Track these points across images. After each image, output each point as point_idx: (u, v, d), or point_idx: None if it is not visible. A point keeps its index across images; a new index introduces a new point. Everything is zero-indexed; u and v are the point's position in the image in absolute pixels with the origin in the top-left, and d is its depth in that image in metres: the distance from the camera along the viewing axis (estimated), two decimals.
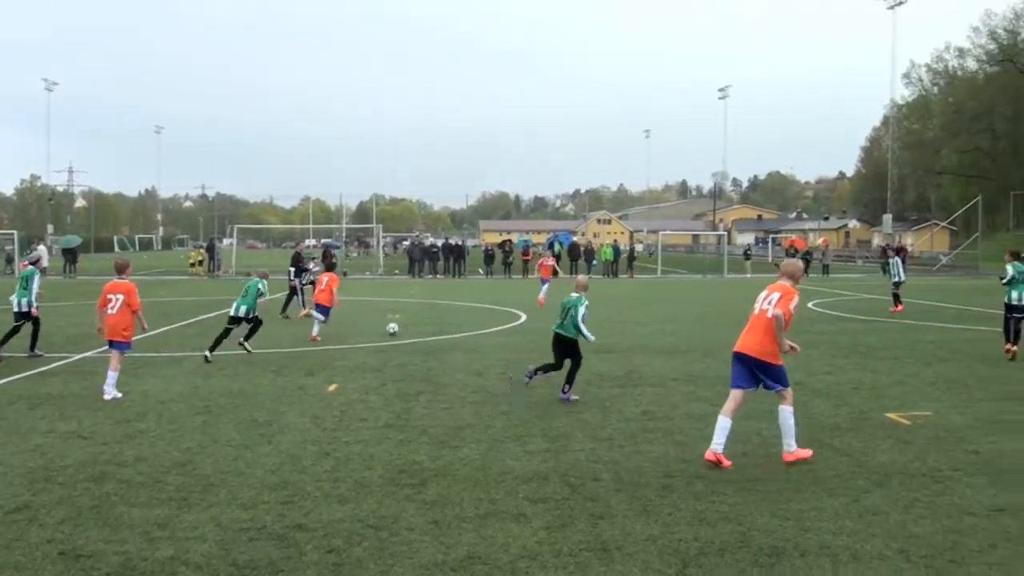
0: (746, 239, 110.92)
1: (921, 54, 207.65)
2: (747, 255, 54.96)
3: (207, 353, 14.54)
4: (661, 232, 65.51)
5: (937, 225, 79.63)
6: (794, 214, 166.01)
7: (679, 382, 12.29)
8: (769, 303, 8.23)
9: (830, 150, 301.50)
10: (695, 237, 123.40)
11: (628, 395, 11.30)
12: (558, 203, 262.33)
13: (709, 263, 58.49)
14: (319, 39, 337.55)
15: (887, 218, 74.08)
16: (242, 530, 6.15)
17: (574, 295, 11.57)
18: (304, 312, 21.48)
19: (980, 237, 59.77)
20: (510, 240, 53.12)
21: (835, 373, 13.19)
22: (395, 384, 12.15)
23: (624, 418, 9.83)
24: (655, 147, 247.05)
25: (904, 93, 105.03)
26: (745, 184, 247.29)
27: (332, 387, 11.90)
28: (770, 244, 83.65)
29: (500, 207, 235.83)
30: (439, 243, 52.04)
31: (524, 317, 21.96)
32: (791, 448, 8.07)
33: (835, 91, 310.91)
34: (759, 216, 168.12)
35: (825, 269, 49.95)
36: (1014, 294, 15.98)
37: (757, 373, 8.15)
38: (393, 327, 18.11)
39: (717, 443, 7.89)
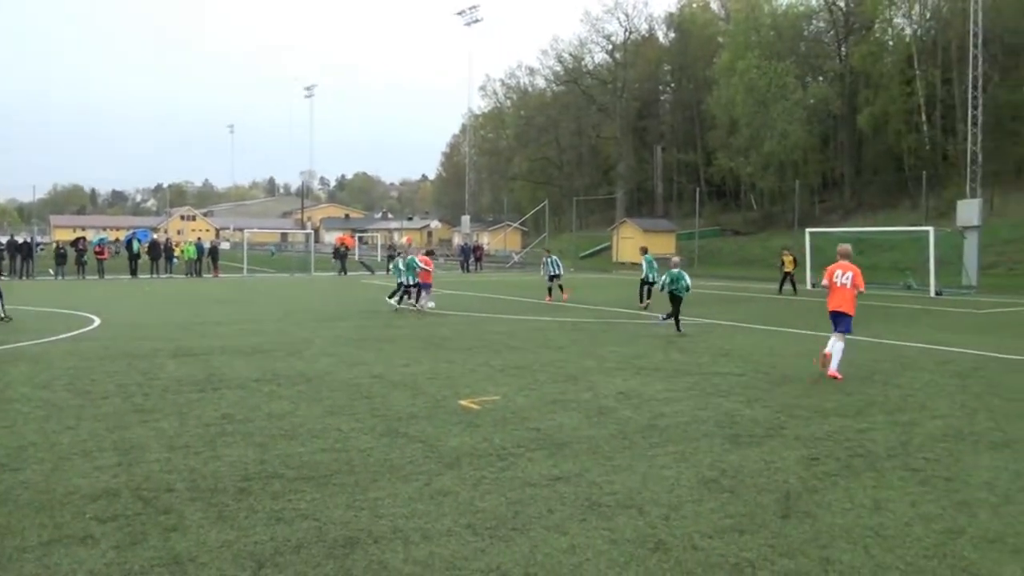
0: (334, 237, 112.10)
1: (496, 69, 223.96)
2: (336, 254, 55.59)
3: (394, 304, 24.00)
4: (247, 230, 64.07)
5: (510, 226, 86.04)
6: (380, 214, 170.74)
7: (261, 383, 12.06)
8: (847, 278, 12.84)
9: (414, 154, 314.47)
10: (283, 235, 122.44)
11: (208, 399, 10.87)
12: (139, 198, 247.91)
13: (296, 261, 58.25)
14: None
15: (465, 219, 78.80)
16: None
17: (675, 271, 18.74)
18: None
19: (548, 237, 65.56)
20: (84, 237, 49.14)
21: (412, 365, 13.69)
22: None
23: (203, 423, 9.43)
24: (242, 143, 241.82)
25: (481, 104, 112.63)
26: (333, 183, 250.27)
27: None
28: (357, 243, 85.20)
29: (74, 201, 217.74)
30: (3, 240, 46.55)
31: (98, 321, 20.38)
32: (834, 369, 12.66)
33: (419, 99, 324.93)
34: (347, 215, 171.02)
35: None
36: (650, 275, 25.05)
37: (839, 321, 12.88)
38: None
39: (834, 366, 12.71)
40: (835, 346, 12.81)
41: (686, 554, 5.61)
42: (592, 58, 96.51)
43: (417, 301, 24.17)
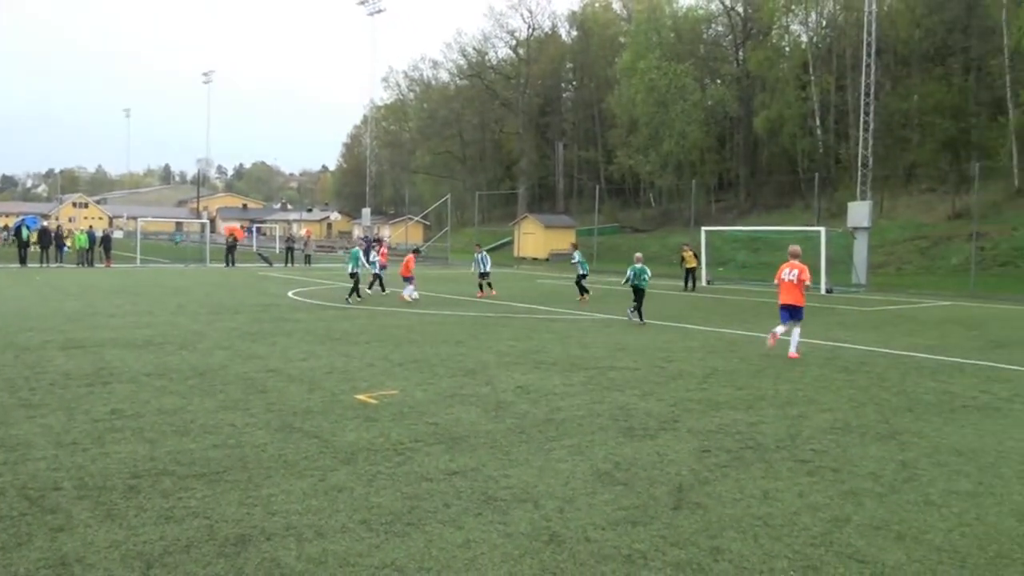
0: (223, 228, 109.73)
1: (399, 61, 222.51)
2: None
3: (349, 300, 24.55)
4: (141, 219, 62.26)
5: (412, 219, 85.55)
6: (279, 204, 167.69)
7: (152, 377, 11.74)
8: (794, 275, 14.88)
9: (314, 144, 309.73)
10: (178, 225, 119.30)
11: (97, 394, 10.52)
12: (29, 183, 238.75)
13: (191, 252, 56.79)
14: None
15: (366, 211, 78.02)
16: None
17: (639, 266, 20.80)
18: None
19: (450, 231, 65.44)
20: None
21: (310, 359, 13.51)
22: None
23: (91, 419, 9.13)
24: (137, 129, 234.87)
25: (383, 96, 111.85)
26: (231, 172, 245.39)
27: None
28: (255, 233, 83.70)
29: None
30: None
31: None
32: (793, 350, 14.76)
33: (321, 89, 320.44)
34: (244, 205, 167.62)
35: (307, 259, 51.10)
36: (582, 268, 27.14)
37: (793, 314, 14.93)
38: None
39: (786, 340, 14.96)
40: (793, 332, 14.98)
41: (580, 546, 5.68)
42: (496, 53, 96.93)
43: (379, 288, 27.03)
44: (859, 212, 38.62)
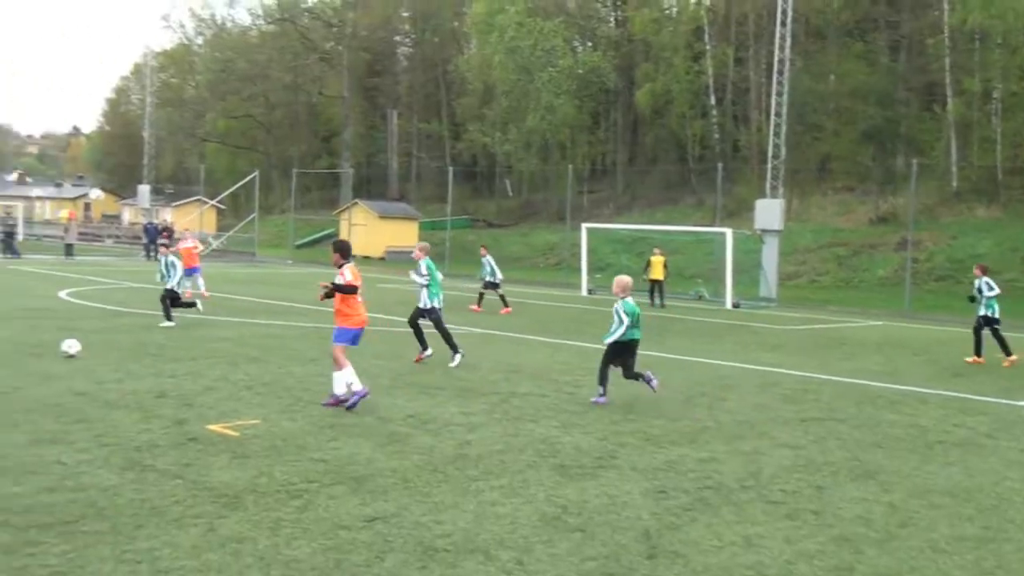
0: None
1: None
2: None
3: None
4: None
5: (206, 203, 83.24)
6: (14, 175, 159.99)
7: None
8: None
9: (62, 99, 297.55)
10: None
11: None
12: None
13: None
14: None
15: (144, 189, 75.02)
16: None
17: (631, 300, 14.08)
18: None
19: (257, 219, 63.73)
20: None
21: (127, 380, 13.30)
22: None
23: None
24: None
25: (163, 39, 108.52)
26: None
27: None
28: None
29: None
30: None
31: None
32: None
33: (76, 26, 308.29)
34: None
35: (69, 249, 48.66)
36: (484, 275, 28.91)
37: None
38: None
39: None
40: None
41: None
42: None
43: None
44: (769, 212, 39.60)
